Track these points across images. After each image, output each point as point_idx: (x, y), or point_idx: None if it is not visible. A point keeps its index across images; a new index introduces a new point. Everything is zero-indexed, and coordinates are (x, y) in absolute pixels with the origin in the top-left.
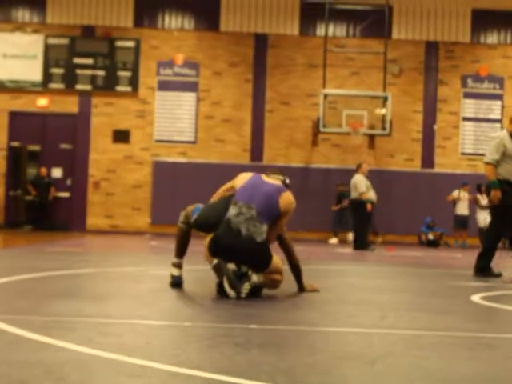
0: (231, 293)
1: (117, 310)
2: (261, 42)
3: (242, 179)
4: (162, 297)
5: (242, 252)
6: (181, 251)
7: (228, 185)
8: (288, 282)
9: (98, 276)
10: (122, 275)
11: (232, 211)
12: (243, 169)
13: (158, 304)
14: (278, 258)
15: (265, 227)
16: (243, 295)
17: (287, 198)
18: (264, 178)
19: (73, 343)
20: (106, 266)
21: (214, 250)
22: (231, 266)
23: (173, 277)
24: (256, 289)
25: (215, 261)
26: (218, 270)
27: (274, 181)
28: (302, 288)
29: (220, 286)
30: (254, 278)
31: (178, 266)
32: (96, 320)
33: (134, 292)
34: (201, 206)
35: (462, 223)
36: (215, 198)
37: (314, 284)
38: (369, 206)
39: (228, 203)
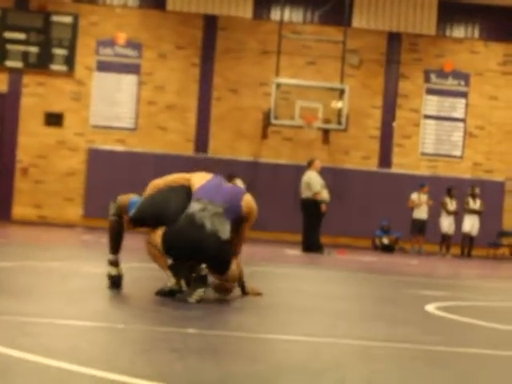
0: (191, 299)
1: (42, 309)
2: (210, 24)
3: (202, 178)
4: (92, 296)
5: (205, 248)
6: (116, 247)
7: (179, 177)
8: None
9: (21, 270)
10: (48, 270)
11: (196, 206)
12: (186, 160)
13: (88, 303)
14: (236, 266)
15: (228, 226)
16: (192, 300)
17: (250, 201)
18: (224, 181)
19: None
20: (31, 259)
21: (172, 245)
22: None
23: (111, 277)
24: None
25: (170, 261)
26: (174, 270)
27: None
28: (244, 291)
29: (169, 291)
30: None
31: (115, 263)
32: (18, 319)
33: (62, 289)
34: (137, 197)
35: (420, 227)
36: (156, 186)
37: (257, 287)
38: (323, 207)
39: (177, 197)
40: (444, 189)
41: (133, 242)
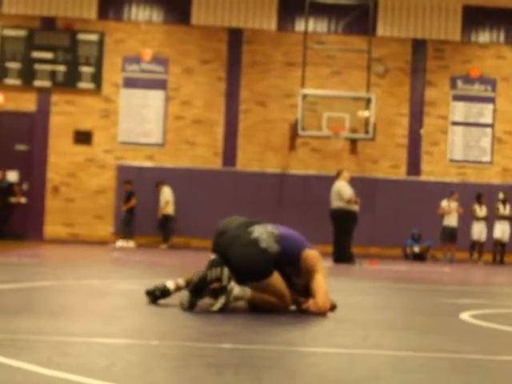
0: (214, 308)
1: (77, 328)
2: (235, 37)
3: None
4: (126, 313)
5: (239, 245)
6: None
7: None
8: None
9: (56, 289)
10: (82, 289)
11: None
12: (214, 174)
13: (122, 321)
14: (282, 284)
15: (276, 246)
16: (216, 309)
17: (310, 253)
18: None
19: (29, 363)
20: (64, 278)
21: (218, 236)
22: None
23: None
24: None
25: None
26: (212, 264)
27: None
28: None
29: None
30: (238, 290)
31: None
32: (54, 338)
33: (96, 307)
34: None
35: (450, 235)
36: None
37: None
38: (357, 203)
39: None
40: (474, 195)
41: (169, 259)
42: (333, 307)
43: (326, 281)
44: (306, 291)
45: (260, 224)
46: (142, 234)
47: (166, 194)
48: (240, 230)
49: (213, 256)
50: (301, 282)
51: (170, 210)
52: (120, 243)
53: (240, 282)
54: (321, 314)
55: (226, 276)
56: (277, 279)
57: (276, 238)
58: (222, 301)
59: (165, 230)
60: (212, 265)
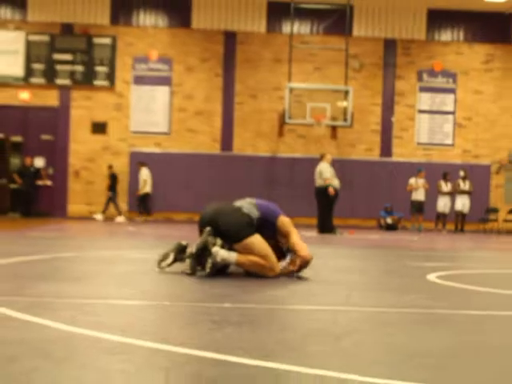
0: (206, 271)
1: (97, 291)
2: (230, 39)
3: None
4: (140, 278)
5: (226, 212)
6: None
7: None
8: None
9: (77, 259)
10: (100, 258)
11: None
12: (214, 158)
13: (137, 285)
14: (265, 244)
15: (257, 213)
16: (208, 270)
17: (283, 218)
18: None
19: (57, 322)
20: (85, 249)
21: (202, 214)
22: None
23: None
24: (221, 266)
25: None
26: (208, 234)
27: None
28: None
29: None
30: (223, 253)
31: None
32: (77, 300)
33: (113, 274)
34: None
35: (418, 208)
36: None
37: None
38: (331, 190)
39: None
40: (438, 173)
41: (178, 231)
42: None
43: (299, 239)
44: (282, 253)
45: (239, 200)
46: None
47: (144, 174)
48: (224, 204)
49: (208, 228)
50: (280, 244)
51: (147, 188)
52: (119, 219)
53: (230, 244)
54: (307, 262)
55: (219, 243)
56: (260, 240)
57: (255, 206)
58: (209, 261)
59: (142, 207)
60: (208, 234)
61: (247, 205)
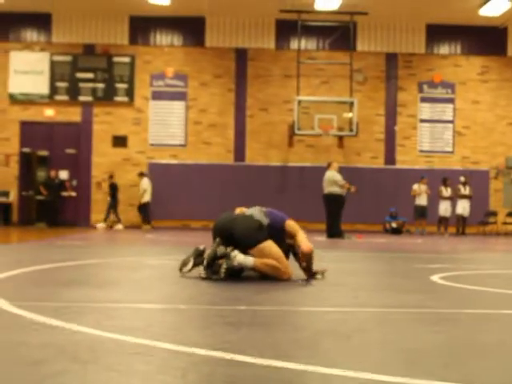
0: (221, 274)
1: (119, 296)
2: (241, 56)
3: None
4: (158, 283)
5: (240, 222)
6: None
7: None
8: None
9: (101, 266)
10: (122, 264)
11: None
12: (227, 168)
13: (155, 289)
14: (278, 248)
15: (266, 218)
16: (222, 275)
17: (289, 221)
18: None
19: (83, 326)
20: (108, 256)
21: (216, 223)
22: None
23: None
24: (236, 270)
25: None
26: (218, 243)
27: None
28: (309, 271)
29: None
30: (240, 257)
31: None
32: (102, 305)
33: (134, 279)
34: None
35: (422, 212)
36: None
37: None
38: (354, 188)
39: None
40: (439, 179)
41: (194, 238)
42: (324, 271)
43: (305, 236)
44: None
45: (249, 208)
46: (159, 217)
47: (144, 184)
48: (235, 215)
49: (217, 239)
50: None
51: (146, 198)
52: (100, 225)
53: (244, 250)
54: (308, 255)
55: (230, 250)
56: (272, 244)
57: (265, 213)
58: (224, 266)
59: (143, 215)
60: (218, 244)
61: (257, 212)
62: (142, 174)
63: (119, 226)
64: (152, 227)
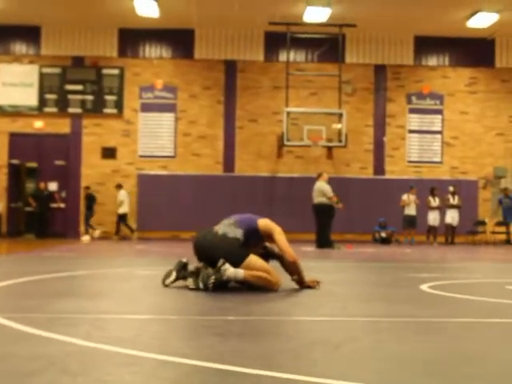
0: (200, 284)
1: (110, 307)
2: (230, 68)
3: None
4: (147, 294)
5: (217, 246)
6: None
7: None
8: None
9: (91, 277)
10: (111, 276)
11: (216, 226)
12: (217, 179)
13: (144, 300)
14: (262, 261)
15: (239, 231)
16: (210, 284)
17: (263, 220)
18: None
19: (73, 337)
20: (97, 267)
21: (196, 250)
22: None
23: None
24: (223, 281)
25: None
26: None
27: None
28: (302, 282)
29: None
30: (230, 271)
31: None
32: (92, 316)
33: (123, 290)
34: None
35: (411, 222)
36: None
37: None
38: (341, 206)
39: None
40: (428, 189)
41: (183, 249)
42: (318, 282)
43: (283, 237)
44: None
45: (218, 224)
46: (149, 228)
47: (121, 195)
48: (210, 236)
49: (201, 264)
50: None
51: (123, 209)
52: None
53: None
54: (295, 262)
55: (221, 264)
56: (256, 258)
57: (234, 224)
58: (213, 278)
59: (124, 225)
60: (205, 269)
61: (228, 228)
62: (119, 186)
63: (87, 237)
64: (131, 235)
